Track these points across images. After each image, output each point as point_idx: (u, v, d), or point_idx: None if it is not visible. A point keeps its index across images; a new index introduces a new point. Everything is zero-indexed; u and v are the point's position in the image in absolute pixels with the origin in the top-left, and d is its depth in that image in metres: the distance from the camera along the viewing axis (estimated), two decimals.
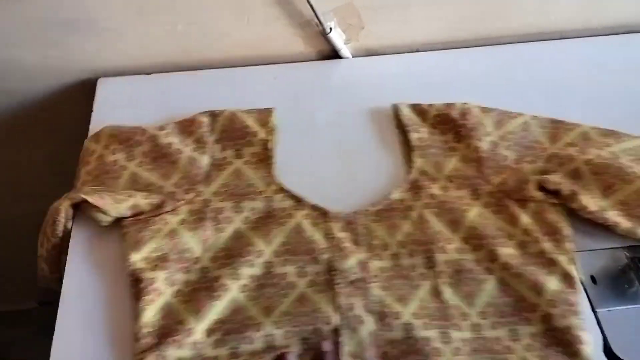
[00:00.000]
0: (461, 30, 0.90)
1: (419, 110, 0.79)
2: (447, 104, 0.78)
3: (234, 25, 0.84)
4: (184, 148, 0.75)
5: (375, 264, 0.66)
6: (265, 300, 0.64)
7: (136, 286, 0.64)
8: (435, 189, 0.72)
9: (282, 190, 0.72)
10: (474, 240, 0.68)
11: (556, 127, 0.77)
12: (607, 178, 0.70)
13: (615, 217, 0.67)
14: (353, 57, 0.90)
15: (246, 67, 0.88)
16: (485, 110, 0.78)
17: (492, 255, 0.66)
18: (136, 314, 0.62)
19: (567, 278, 0.64)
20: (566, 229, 0.68)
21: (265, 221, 0.69)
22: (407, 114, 0.79)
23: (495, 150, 0.75)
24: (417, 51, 0.91)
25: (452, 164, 0.74)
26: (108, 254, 0.68)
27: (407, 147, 0.77)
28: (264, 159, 0.75)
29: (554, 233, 0.67)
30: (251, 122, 0.78)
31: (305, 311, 0.63)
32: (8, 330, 1.22)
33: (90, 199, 0.66)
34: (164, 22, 0.83)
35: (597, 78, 0.86)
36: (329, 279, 0.65)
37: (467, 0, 0.85)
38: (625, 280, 0.67)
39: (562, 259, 0.65)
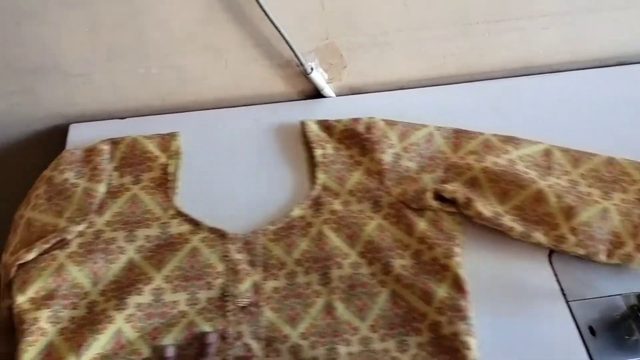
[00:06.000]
0: (446, 66, 0.88)
1: (327, 125, 0.80)
2: (354, 118, 0.79)
3: (212, 68, 0.83)
4: (79, 180, 0.74)
5: (270, 285, 0.66)
6: (152, 331, 0.63)
7: (19, 328, 0.63)
8: (336, 205, 0.72)
9: (179, 214, 0.71)
10: (370, 253, 0.68)
11: (459, 137, 0.78)
12: (503, 185, 0.71)
13: (509, 222, 0.69)
14: (337, 95, 0.89)
15: (225, 109, 0.87)
16: (390, 123, 0.79)
17: (386, 267, 0.67)
18: (17, 356, 0.61)
19: (457, 282, 0.65)
20: (460, 236, 0.69)
21: (161, 249, 0.69)
22: (314, 130, 0.80)
23: (397, 162, 0.76)
24: (403, 88, 0.89)
25: (355, 177, 0.75)
26: None
27: (313, 164, 0.78)
28: (163, 183, 0.74)
29: (448, 239, 0.69)
30: (152, 148, 0.77)
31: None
32: None
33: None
34: (137, 66, 0.81)
35: (586, 111, 0.84)
36: (221, 305, 0.65)
37: (451, 36, 0.83)
38: (625, 330, 0.64)
39: (453, 263, 0.66)
